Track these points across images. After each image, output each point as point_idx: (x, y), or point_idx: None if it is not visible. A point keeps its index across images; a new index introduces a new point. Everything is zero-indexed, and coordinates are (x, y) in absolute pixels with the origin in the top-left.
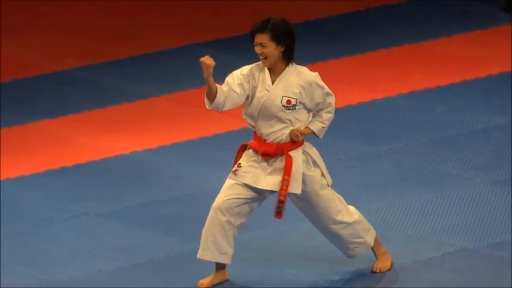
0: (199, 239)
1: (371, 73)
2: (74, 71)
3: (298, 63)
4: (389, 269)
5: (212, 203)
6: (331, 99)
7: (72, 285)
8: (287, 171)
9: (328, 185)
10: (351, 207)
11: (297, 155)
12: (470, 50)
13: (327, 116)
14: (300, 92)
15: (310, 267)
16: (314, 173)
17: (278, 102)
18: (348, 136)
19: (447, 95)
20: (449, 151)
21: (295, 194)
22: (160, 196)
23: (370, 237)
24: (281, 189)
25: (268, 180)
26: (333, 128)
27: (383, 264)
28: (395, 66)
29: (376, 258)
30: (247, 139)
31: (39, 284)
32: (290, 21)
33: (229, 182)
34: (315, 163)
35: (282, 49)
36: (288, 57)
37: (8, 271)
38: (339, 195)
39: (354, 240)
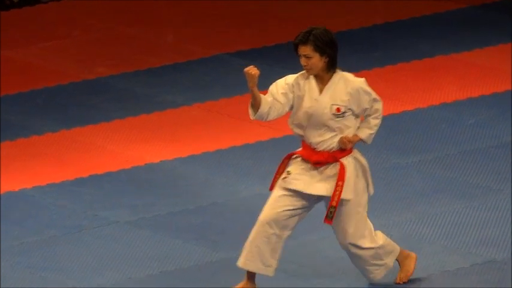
0: (228, 248)
1: (402, 84)
2: (106, 79)
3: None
4: (413, 271)
5: (240, 213)
6: (378, 105)
7: None
8: (341, 177)
9: (371, 194)
10: (379, 233)
11: (348, 162)
12: (502, 62)
13: (375, 122)
14: (348, 99)
15: (338, 278)
16: (360, 183)
17: (328, 111)
18: (379, 147)
19: (478, 106)
20: (479, 163)
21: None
22: (190, 205)
23: (390, 260)
24: (334, 194)
25: (319, 187)
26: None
27: (405, 272)
28: (426, 77)
29: (400, 267)
30: (276, 149)
31: None
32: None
33: (276, 193)
34: (363, 171)
35: (326, 59)
36: (332, 65)
37: (37, 278)
38: (369, 221)
39: (374, 262)
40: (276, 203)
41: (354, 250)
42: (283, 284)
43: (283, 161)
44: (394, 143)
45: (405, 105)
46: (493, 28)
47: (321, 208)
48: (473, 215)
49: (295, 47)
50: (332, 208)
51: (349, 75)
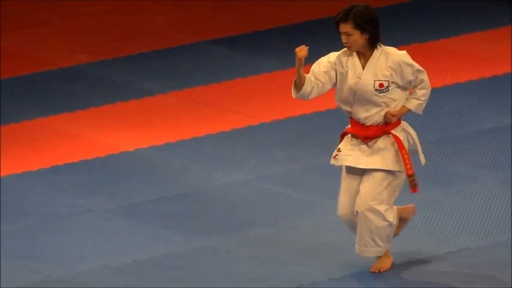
0: (206, 235)
1: None
2: (85, 67)
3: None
4: (388, 269)
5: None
6: (423, 76)
7: (77, 280)
8: (401, 146)
9: (422, 164)
10: (395, 209)
11: (397, 133)
12: (479, 49)
13: (422, 92)
14: (390, 74)
15: (316, 265)
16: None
17: (371, 88)
18: None
19: (455, 94)
20: (456, 150)
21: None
22: (167, 193)
23: (386, 247)
24: (405, 164)
25: (370, 160)
26: (342, 126)
27: (383, 264)
28: None
29: (378, 258)
30: (252, 137)
31: (43, 279)
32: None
33: (343, 184)
34: (413, 141)
35: (367, 36)
36: (374, 41)
37: (13, 266)
38: (394, 194)
39: (375, 238)
40: (346, 195)
41: (369, 214)
42: (262, 271)
43: (340, 139)
44: None
45: None
46: (470, 15)
47: (299, 196)
48: (450, 202)
49: (336, 25)
50: (410, 178)
51: (390, 49)
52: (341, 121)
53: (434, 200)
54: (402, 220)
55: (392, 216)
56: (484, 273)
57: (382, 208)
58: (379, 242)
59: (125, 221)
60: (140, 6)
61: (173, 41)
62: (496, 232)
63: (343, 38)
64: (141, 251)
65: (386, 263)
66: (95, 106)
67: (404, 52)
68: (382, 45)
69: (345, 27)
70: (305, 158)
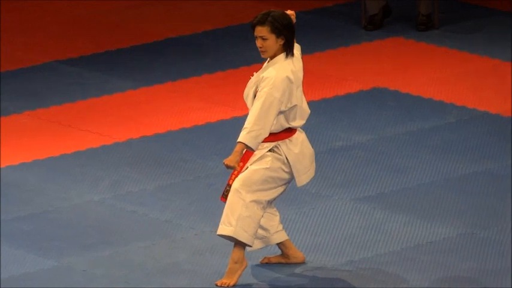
0: (60, 255)
1: (233, 90)
2: None
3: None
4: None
5: (72, 219)
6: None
7: None
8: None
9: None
10: (272, 211)
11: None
12: (331, 67)
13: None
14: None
15: (169, 284)
16: None
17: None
18: (208, 154)
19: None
20: None
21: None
22: (21, 212)
23: (238, 232)
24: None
25: None
26: (194, 146)
27: (227, 279)
28: None
29: (226, 274)
30: (107, 156)
31: None
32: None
33: None
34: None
35: (282, 42)
36: (288, 48)
37: None
38: (266, 186)
39: (228, 215)
40: None
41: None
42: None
43: None
44: (223, 149)
45: (235, 112)
46: (320, 33)
47: (153, 215)
48: (302, 221)
49: (252, 28)
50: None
51: (280, 65)
52: (192, 141)
53: (287, 218)
54: (285, 257)
55: (251, 206)
56: None
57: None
58: (232, 221)
59: None
60: None
61: (25, 61)
62: (352, 251)
63: (258, 43)
64: None
65: (231, 280)
66: None
67: (282, 73)
68: (290, 57)
69: (261, 31)
70: (159, 178)
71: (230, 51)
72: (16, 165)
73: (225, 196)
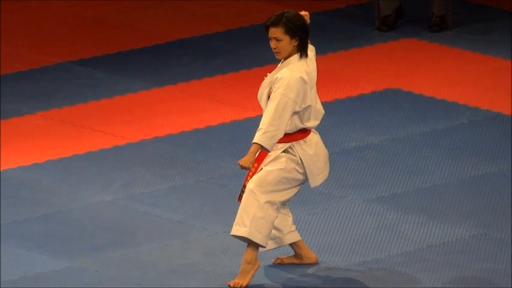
0: (72, 256)
1: (245, 91)
2: None
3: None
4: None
5: (85, 220)
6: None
7: None
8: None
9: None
10: (285, 212)
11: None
12: (344, 68)
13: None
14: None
15: (182, 285)
16: None
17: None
18: (221, 154)
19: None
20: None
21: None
22: (34, 213)
23: (252, 233)
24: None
25: None
26: (207, 146)
27: (240, 279)
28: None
29: (238, 274)
30: (119, 156)
31: None
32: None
33: None
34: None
35: (296, 43)
36: (302, 49)
37: None
38: (282, 192)
39: (242, 216)
40: None
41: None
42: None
43: None
44: (235, 150)
45: (248, 112)
46: (333, 34)
47: (166, 216)
48: (315, 222)
49: (266, 30)
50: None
51: (294, 65)
52: (205, 142)
53: (300, 219)
54: (298, 258)
55: (267, 208)
56: None
57: (255, 189)
58: (247, 222)
59: None
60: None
61: (36, 62)
62: (364, 251)
63: (272, 44)
64: (8, 272)
65: (245, 280)
66: None
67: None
68: (304, 58)
69: (275, 32)
70: (172, 178)
71: (242, 52)
72: (29, 166)
73: (241, 197)
